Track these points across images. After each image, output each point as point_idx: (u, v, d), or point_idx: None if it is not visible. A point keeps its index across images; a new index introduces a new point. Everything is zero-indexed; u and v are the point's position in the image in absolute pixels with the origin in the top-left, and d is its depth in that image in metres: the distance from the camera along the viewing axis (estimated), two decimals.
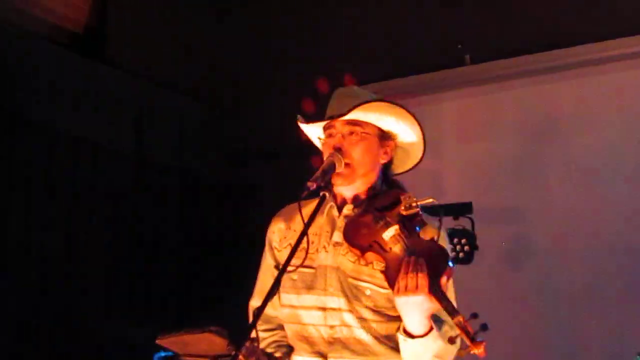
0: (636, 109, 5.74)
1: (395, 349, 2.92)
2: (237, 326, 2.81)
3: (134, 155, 6.61)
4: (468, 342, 2.56)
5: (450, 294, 2.85)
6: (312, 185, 2.84)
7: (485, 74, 6.25)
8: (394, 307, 2.88)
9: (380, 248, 2.85)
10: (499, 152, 6.11)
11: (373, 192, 3.06)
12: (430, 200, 2.88)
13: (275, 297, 3.07)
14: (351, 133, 3.00)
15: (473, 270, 5.33)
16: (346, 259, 2.97)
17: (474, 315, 2.58)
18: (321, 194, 2.92)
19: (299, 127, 3.19)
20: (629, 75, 5.80)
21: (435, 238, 2.83)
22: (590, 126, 5.85)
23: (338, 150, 2.97)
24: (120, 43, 6.72)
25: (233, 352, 2.54)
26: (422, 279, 2.66)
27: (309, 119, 3.12)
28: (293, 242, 2.97)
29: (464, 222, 5.49)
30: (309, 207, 3.02)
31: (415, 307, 2.71)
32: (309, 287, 3.00)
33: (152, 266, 6.66)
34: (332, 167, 2.93)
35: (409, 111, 3.04)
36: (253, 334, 2.62)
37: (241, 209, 6.99)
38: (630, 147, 5.71)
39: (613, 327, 5.52)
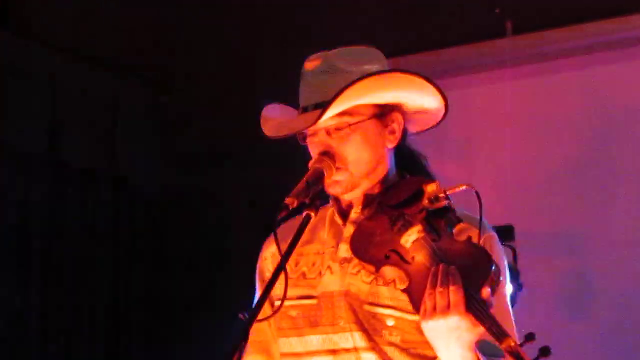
0: None
1: None
2: None
3: (49, 158, 6.58)
4: None
5: (502, 313, 2.74)
6: (292, 203, 2.74)
7: (533, 48, 6.24)
8: (426, 344, 2.75)
9: (399, 259, 2.75)
10: (550, 157, 6.12)
11: (385, 185, 2.98)
12: (464, 187, 2.77)
13: (275, 347, 3.02)
14: (338, 128, 2.91)
15: (515, 316, 5.30)
16: (358, 279, 2.89)
17: (530, 337, 2.48)
18: (304, 213, 2.81)
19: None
20: None
21: (475, 239, 2.72)
22: None
23: (325, 154, 2.89)
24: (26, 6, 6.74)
25: None
26: (455, 294, 2.54)
27: (274, 129, 3.02)
28: (289, 268, 2.91)
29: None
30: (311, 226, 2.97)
31: (449, 334, 2.59)
32: (313, 324, 2.92)
33: (73, 302, 6.64)
34: (319, 177, 2.84)
35: (406, 72, 2.92)
36: None
37: (192, 227, 7.00)
38: None
39: None
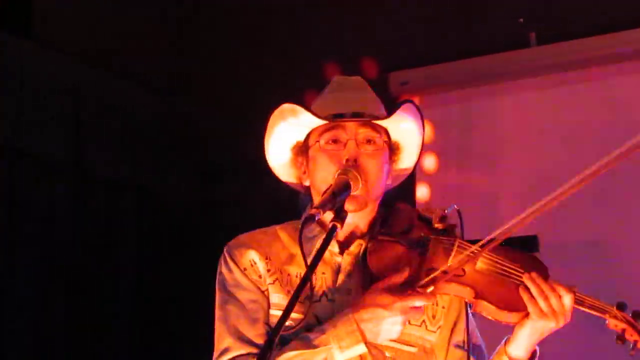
0: None
1: None
2: None
3: (71, 167, 6.62)
4: (637, 337, 2.85)
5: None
6: (319, 213, 2.77)
7: (557, 57, 6.21)
8: None
9: (452, 275, 2.87)
10: (574, 167, 5.97)
11: (380, 217, 3.08)
12: (453, 207, 2.99)
13: None
14: (369, 141, 2.99)
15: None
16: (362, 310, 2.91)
17: (622, 305, 2.89)
18: (330, 224, 2.82)
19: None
20: None
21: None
22: None
23: (353, 165, 2.93)
24: (51, 14, 6.75)
25: None
26: (568, 297, 2.88)
27: (309, 109, 3.07)
28: (281, 278, 3.01)
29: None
30: (282, 236, 3.10)
31: (549, 330, 2.89)
32: None
33: (96, 311, 6.67)
34: (346, 188, 2.87)
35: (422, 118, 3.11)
36: None
37: (213, 235, 7.00)
38: None
39: None
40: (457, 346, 3.04)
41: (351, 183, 2.88)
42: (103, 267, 6.79)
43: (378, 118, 2.98)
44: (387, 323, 2.80)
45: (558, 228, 5.66)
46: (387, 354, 2.93)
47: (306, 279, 2.73)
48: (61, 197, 6.59)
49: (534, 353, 2.95)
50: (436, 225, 2.94)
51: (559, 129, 6.16)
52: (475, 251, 2.86)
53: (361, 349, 2.81)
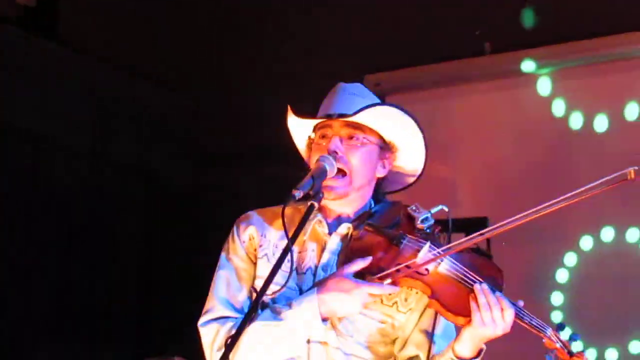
0: None
1: None
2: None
3: (91, 152, 6.66)
4: (566, 358, 2.69)
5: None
6: (298, 194, 2.81)
7: (508, 65, 6.22)
8: (383, 343, 2.96)
9: (414, 272, 2.82)
10: (522, 158, 6.11)
11: (370, 210, 3.06)
12: (440, 207, 2.93)
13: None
14: (351, 137, 3.00)
15: None
16: None
17: (561, 327, 2.71)
18: (309, 203, 2.88)
19: (281, 126, 3.19)
20: None
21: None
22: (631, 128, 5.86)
23: (332, 154, 2.96)
24: (74, 17, 6.74)
25: None
26: (509, 312, 2.75)
27: (303, 114, 3.10)
28: (270, 254, 3.02)
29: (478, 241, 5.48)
30: (274, 216, 3.07)
31: (490, 336, 2.79)
32: None
33: (111, 278, 6.72)
34: (322, 173, 2.90)
35: (419, 125, 3.07)
36: None
37: (213, 215, 7.01)
38: None
39: None
40: (424, 330, 2.97)
41: (327, 168, 2.90)
42: (115, 239, 6.82)
43: (351, 115, 2.96)
44: (345, 305, 2.79)
45: (503, 212, 5.69)
46: (359, 325, 2.93)
47: (287, 250, 2.78)
48: (79, 179, 6.61)
49: (480, 350, 2.86)
50: (418, 226, 2.89)
51: (508, 126, 6.20)
52: (437, 255, 2.81)
53: (318, 324, 2.81)
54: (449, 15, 6.37)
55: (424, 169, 3.14)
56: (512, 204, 5.94)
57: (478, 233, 2.80)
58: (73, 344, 6.33)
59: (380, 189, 3.16)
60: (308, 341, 2.89)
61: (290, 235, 2.82)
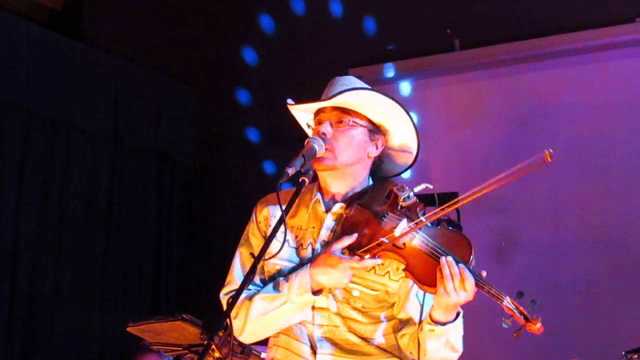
0: (624, 99, 5.75)
1: (383, 349, 2.92)
2: (213, 316, 2.78)
3: (111, 135, 6.60)
4: (522, 322, 2.60)
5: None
6: (291, 171, 2.76)
7: (475, 60, 6.23)
8: (380, 308, 2.91)
9: (392, 246, 2.76)
10: (486, 141, 6.08)
11: (363, 189, 2.99)
12: (424, 186, 2.84)
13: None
14: (339, 121, 2.94)
15: None
16: None
17: (521, 294, 2.62)
18: (300, 179, 2.83)
19: (283, 112, 3.13)
20: (617, 64, 5.83)
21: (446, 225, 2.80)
22: (578, 116, 5.86)
23: (322, 135, 2.91)
24: (96, 20, 6.72)
25: (206, 342, 2.48)
26: (469, 282, 2.65)
27: (296, 102, 3.04)
28: (279, 233, 2.93)
29: (449, 213, 5.45)
30: (290, 196, 2.96)
31: (455, 305, 2.71)
32: None
33: (127, 252, 6.67)
34: (312, 152, 2.85)
35: (405, 108, 2.97)
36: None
37: (218, 195, 6.99)
38: (620, 137, 5.71)
39: (601, 323, 5.54)
40: (416, 295, 2.89)
41: (316, 148, 2.86)
42: (132, 214, 6.80)
43: (329, 98, 2.92)
44: (331, 278, 2.78)
45: (474, 185, 5.67)
46: (354, 293, 2.88)
47: (281, 220, 2.75)
48: (102, 161, 6.59)
49: (458, 314, 2.78)
50: (401, 203, 2.80)
51: (475, 114, 6.18)
52: (409, 230, 2.74)
53: (309, 297, 2.80)
54: (422, 15, 6.39)
55: (419, 146, 3.03)
56: (479, 180, 5.94)
57: (440, 208, 2.74)
58: (93, 309, 6.36)
59: (380, 169, 3.07)
60: (313, 307, 2.88)
61: (285, 208, 2.78)
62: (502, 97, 6.07)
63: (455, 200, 2.73)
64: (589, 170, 5.76)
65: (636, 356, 4.15)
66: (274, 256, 2.86)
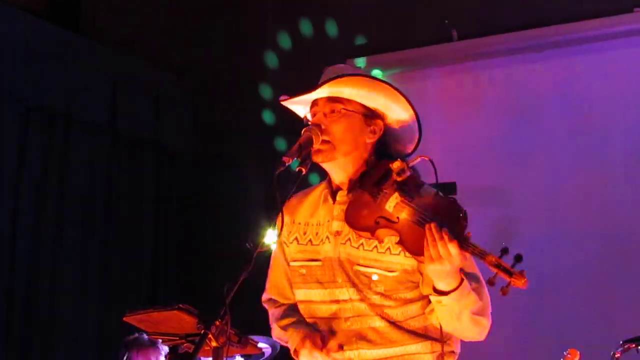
0: (622, 89, 5.74)
1: (413, 332, 2.89)
2: (211, 306, 2.77)
3: (109, 128, 6.57)
4: (507, 278, 2.56)
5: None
6: (288, 160, 2.75)
7: (472, 50, 6.22)
8: (404, 289, 2.87)
9: (387, 222, 2.75)
10: (484, 132, 6.08)
11: (362, 173, 2.95)
12: (419, 159, 2.83)
13: (289, 292, 3.08)
14: (332, 111, 2.92)
15: None
16: (348, 247, 2.90)
17: (505, 251, 2.58)
18: (297, 169, 2.81)
19: (279, 104, 3.09)
20: (615, 55, 5.82)
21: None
22: (576, 106, 5.85)
23: (316, 126, 2.89)
24: (94, 11, 6.70)
25: (203, 331, 2.47)
26: (453, 246, 2.59)
27: (287, 97, 3.02)
28: (299, 235, 2.99)
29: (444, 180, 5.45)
30: (311, 196, 3.04)
31: (448, 271, 2.65)
32: (319, 281, 2.94)
33: (125, 243, 6.66)
34: (308, 141, 2.84)
35: (395, 87, 2.92)
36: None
37: (216, 186, 6.97)
38: (618, 127, 5.70)
39: (600, 312, 5.54)
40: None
41: (313, 138, 2.85)
42: (130, 205, 6.79)
43: (315, 87, 2.90)
44: None
45: (470, 178, 5.67)
46: (374, 278, 2.86)
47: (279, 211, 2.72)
48: (100, 153, 6.58)
49: (461, 280, 2.71)
50: (395, 178, 2.76)
51: (472, 104, 6.16)
52: (400, 202, 2.72)
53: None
54: (421, 7, 6.39)
55: (419, 123, 2.97)
56: (477, 170, 5.94)
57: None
58: (92, 300, 6.35)
59: (389, 151, 3.00)
60: (337, 301, 2.90)
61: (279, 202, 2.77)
62: (500, 87, 6.07)
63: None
64: (587, 160, 5.75)
65: (634, 345, 4.16)
66: (294, 260, 2.99)
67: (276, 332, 3.08)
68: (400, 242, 2.73)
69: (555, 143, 5.90)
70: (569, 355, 4.04)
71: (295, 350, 2.93)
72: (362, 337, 2.87)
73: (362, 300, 2.87)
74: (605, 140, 5.73)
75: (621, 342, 4.22)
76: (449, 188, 5.42)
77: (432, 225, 2.62)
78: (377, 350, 2.87)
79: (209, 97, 7.22)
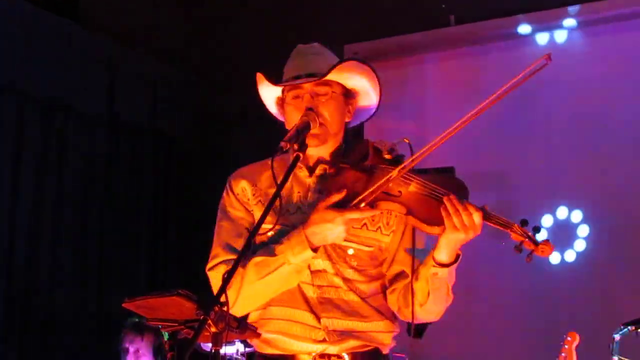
0: (620, 71, 5.73)
1: (379, 311, 2.95)
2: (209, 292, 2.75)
3: (107, 117, 6.57)
4: (532, 247, 2.68)
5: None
6: (285, 146, 2.77)
7: (470, 35, 6.22)
8: (373, 267, 2.94)
9: (388, 195, 2.79)
10: (482, 116, 6.02)
11: (338, 150, 3.01)
12: (401, 140, 2.86)
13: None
14: (324, 93, 2.96)
15: None
16: None
17: (525, 222, 2.69)
18: (295, 154, 2.82)
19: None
20: (613, 38, 5.82)
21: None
22: (575, 89, 5.85)
23: (311, 109, 2.91)
24: (92, 1, 6.69)
25: (202, 317, 2.46)
26: (478, 215, 2.70)
27: (276, 80, 3.06)
28: (263, 200, 2.97)
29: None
30: (266, 167, 3.01)
31: (462, 241, 2.75)
32: None
33: (124, 231, 6.67)
34: (307, 126, 2.86)
35: (373, 70, 3.02)
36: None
37: (214, 173, 6.97)
38: (617, 110, 5.70)
39: (600, 294, 5.54)
40: (406, 249, 2.95)
41: (310, 123, 2.88)
42: (129, 193, 6.81)
43: (323, 76, 2.94)
44: (331, 232, 2.77)
45: (468, 162, 5.66)
46: (349, 252, 2.91)
47: (276, 195, 2.72)
48: (98, 142, 6.58)
49: (457, 256, 2.82)
50: (385, 156, 2.82)
51: (470, 89, 6.10)
52: (395, 175, 2.76)
53: (307, 254, 2.80)
54: None
55: (380, 101, 3.08)
56: (475, 155, 5.94)
57: (406, 162, 2.77)
58: (91, 289, 6.39)
59: (346, 130, 3.11)
60: (310, 271, 2.90)
61: (279, 181, 2.77)
62: (498, 72, 6.03)
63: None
64: (587, 143, 5.75)
65: (634, 328, 4.17)
66: (271, 229, 2.84)
67: (255, 274, 2.85)
68: (410, 214, 2.78)
69: (554, 126, 5.89)
70: (568, 339, 4.05)
71: (314, 249, 2.81)
72: (336, 306, 2.91)
73: (336, 274, 2.91)
74: (604, 122, 5.71)
75: (622, 325, 4.23)
76: (447, 172, 5.42)
77: (452, 197, 2.71)
78: (349, 322, 2.91)
79: (207, 84, 7.21)
